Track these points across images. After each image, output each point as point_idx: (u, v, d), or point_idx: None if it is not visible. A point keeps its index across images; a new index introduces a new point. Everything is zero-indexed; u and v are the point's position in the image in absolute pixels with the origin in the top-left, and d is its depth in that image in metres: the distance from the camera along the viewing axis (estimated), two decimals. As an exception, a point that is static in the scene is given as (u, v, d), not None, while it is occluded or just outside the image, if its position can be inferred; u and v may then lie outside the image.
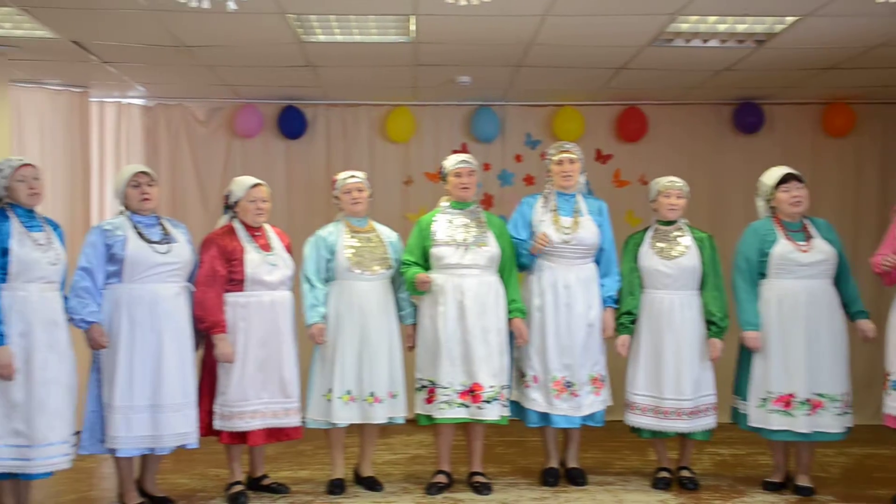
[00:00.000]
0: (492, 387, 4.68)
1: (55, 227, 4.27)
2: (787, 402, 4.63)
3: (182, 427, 4.39)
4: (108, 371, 4.32)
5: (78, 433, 4.30)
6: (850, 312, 4.73)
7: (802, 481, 4.78)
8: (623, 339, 4.85)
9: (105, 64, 5.84)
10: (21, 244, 4.01)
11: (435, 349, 4.72)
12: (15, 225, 4.04)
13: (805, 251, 4.65)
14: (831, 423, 4.63)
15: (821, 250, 4.66)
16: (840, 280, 4.73)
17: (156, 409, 4.32)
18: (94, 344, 4.30)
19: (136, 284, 4.36)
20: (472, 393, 4.68)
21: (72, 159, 6.44)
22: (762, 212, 4.87)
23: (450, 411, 4.68)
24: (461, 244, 4.76)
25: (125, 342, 4.31)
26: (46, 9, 4.72)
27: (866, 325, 4.70)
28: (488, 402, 4.67)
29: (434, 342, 4.73)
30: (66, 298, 4.25)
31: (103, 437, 4.34)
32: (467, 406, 4.68)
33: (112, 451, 4.33)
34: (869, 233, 6.62)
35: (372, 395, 4.71)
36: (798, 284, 4.65)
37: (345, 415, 4.69)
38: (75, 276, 4.30)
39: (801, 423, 4.61)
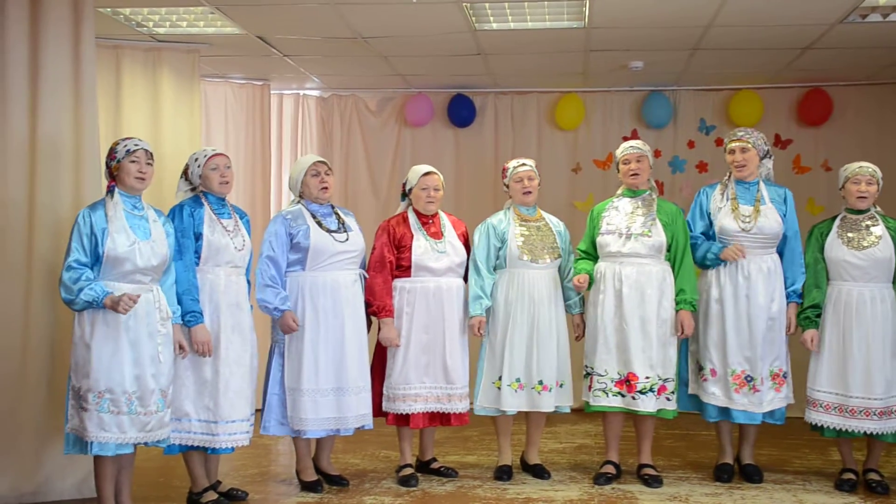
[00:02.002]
0: (647, 378, 4.59)
1: (242, 215, 4.47)
2: None
3: (362, 409, 4.53)
4: (295, 356, 4.49)
5: (258, 411, 4.49)
6: None
7: None
8: (811, 333, 4.62)
9: (285, 57, 6.10)
10: (212, 230, 4.23)
11: (594, 336, 4.70)
12: (207, 212, 4.26)
13: None
14: None
15: None
16: None
17: (340, 392, 4.48)
18: (286, 329, 4.46)
19: (318, 272, 4.51)
20: (627, 382, 4.61)
21: (253, 149, 6.77)
22: None
23: (605, 399, 4.65)
24: (623, 233, 4.68)
25: (310, 328, 4.47)
26: (236, 6, 4.98)
27: None
28: (643, 392, 4.59)
29: (594, 329, 4.71)
30: (250, 284, 4.45)
31: (284, 420, 4.52)
32: (623, 395, 4.62)
33: (300, 432, 4.50)
34: None
35: (541, 383, 4.70)
36: None
37: (514, 402, 4.71)
38: (260, 266, 4.47)
39: None
